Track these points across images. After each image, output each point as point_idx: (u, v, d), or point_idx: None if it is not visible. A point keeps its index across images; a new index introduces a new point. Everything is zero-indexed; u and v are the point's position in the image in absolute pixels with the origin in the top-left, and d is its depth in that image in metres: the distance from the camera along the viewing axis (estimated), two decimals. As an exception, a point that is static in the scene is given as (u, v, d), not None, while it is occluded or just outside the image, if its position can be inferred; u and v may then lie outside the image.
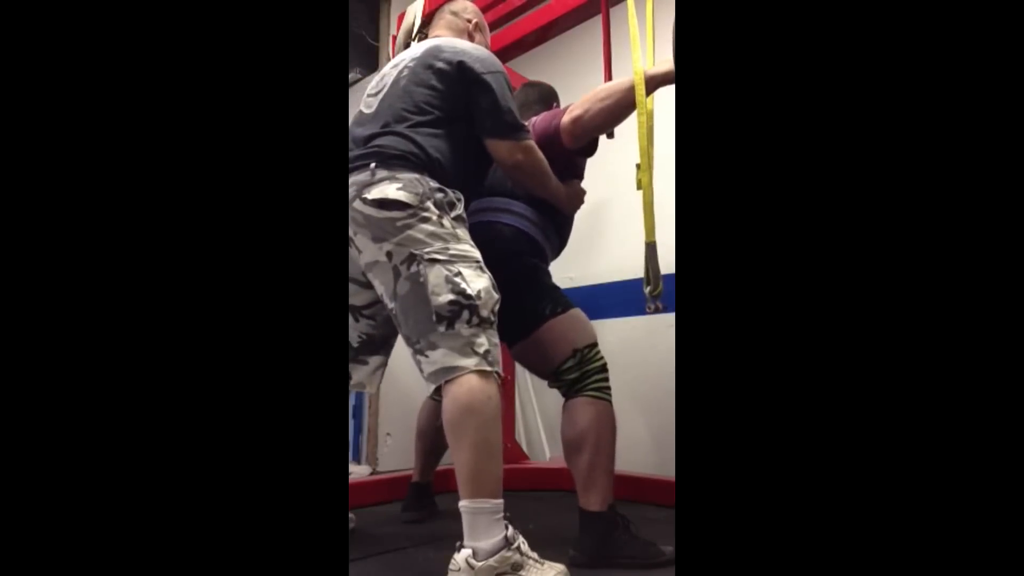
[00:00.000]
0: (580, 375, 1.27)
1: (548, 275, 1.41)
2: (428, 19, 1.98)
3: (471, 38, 1.40)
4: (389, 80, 1.26)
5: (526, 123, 1.28)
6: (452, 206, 1.14)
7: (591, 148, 1.41)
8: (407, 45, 1.85)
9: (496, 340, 1.11)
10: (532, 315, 1.31)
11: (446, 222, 1.11)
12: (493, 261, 1.18)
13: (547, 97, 1.69)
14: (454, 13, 1.44)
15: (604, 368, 1.30)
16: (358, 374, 1.32)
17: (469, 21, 1.44)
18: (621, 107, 1.29)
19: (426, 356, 1.07)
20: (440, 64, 1.21)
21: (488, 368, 1.06)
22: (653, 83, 1.30)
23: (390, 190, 1.09)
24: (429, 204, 1.10)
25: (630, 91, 1.27)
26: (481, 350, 1.06)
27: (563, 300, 1.34)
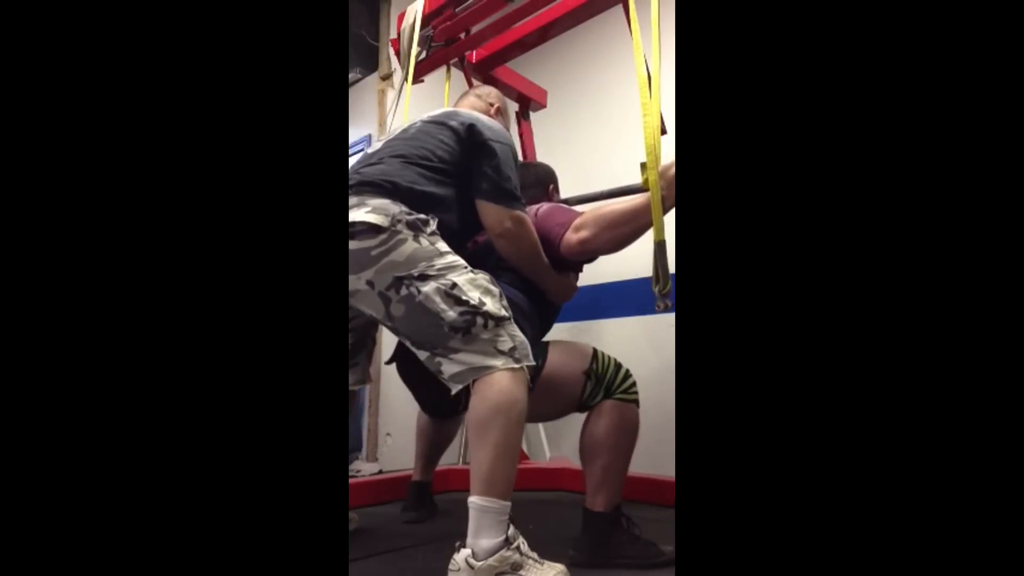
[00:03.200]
0: (604, 391, 1.25)
1: None
2: (427, 20, 1.99)
3: None
4: (399, 129, 1.31)
5: (527, 207, 1.26)
6: (425, 223, 1.12)
7: (592, 259, 1.39)
8: (410, 43, 1.87)
9: (517, 332, 1.09)
10: None
11: (423, 240, 1.09)
12: None
13: (544, 179, 1.66)
14: (478, 96, 1.56)
15: (619, 366, 1.28)
16: (352, 375, 1.44)
17: (491, 105, 1.53)
18: (632, 235, 1.26)
19: (449, 359, 1.06)
20: (453, 123, 1.25)
21: (516, 366, 1.05)
22: (670, 202, 1.21)
23: (359, 214, 1.08)
24: (401, 227, 1.08)
25: (642, 216, 1.22)
26: (506, 347, 1.05)
27: (537, 349, 1.24)
